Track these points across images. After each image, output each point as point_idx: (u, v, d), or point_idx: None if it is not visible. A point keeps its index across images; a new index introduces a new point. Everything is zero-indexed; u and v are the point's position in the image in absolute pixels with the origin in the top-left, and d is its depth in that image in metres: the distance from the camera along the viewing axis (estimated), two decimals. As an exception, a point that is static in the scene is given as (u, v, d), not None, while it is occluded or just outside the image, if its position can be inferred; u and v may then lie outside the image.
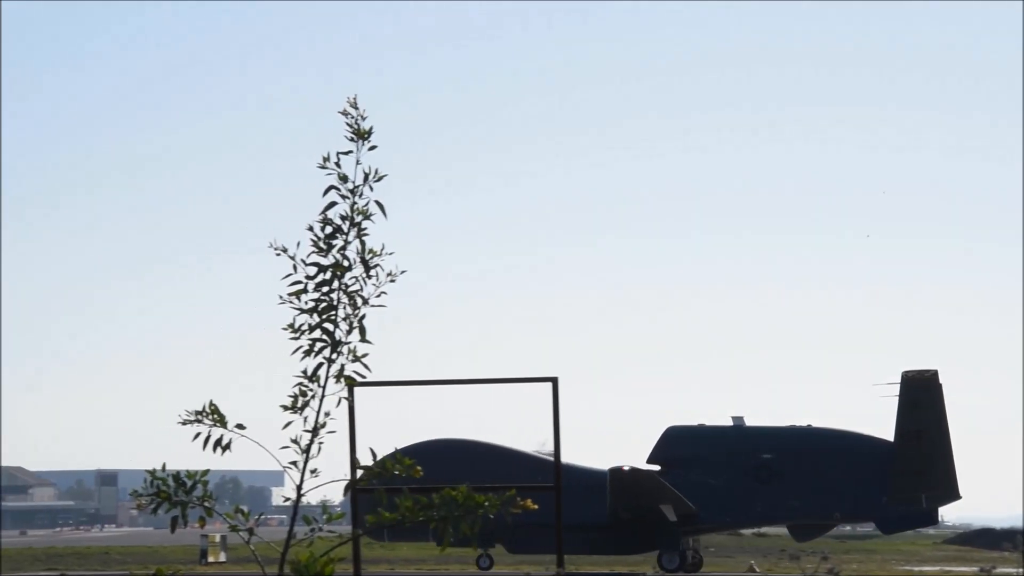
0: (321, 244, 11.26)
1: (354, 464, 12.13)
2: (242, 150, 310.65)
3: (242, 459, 11.54)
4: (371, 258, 11.26)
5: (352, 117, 11.34)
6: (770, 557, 67.76)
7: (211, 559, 64.34)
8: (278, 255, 11.26)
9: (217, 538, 66.11)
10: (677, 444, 55.41)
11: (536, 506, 11.30)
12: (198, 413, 11.59)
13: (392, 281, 11.27)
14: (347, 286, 11.26)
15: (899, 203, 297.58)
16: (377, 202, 11.30)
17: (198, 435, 11.57)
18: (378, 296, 11.29)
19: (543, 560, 55.34)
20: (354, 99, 11.35)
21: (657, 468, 54.63)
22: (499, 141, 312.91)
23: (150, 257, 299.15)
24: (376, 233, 11.31)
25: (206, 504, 11.46)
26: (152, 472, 11.55)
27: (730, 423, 57.14)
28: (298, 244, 11.25)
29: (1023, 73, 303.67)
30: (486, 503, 11.07)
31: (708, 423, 57.33)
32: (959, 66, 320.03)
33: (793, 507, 55.48)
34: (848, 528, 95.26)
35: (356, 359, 11.28)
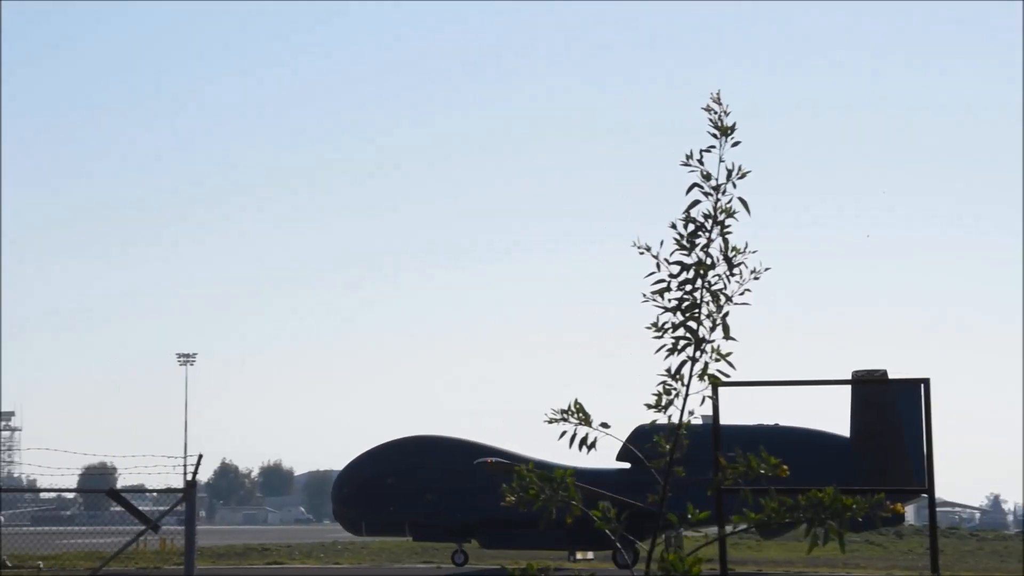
0: (684, 242, 11.21)
1: (718, 463, 12.06)
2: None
3: (607, 457, 11.64)
4: (734, 256, 11.16)
5: (715, 113, 11.26)
6: None
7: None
8: (641, 254, 11.27)
9: (585, 535, 66.86)
10: (645, 442, 54.77)
11: (904, 509, 11.04)
12: (564, 412, 11.72)
13: (756, 279, 11.15)
14: (710, 284, 11.19)
15: (894, 202, 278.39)
16: (740, 199, 11.19)
17: (564, 433, 11.70)
18: (742, 294, 11.19)
19: (516, 556, 55.69)
20: (717, 95, 11.26)
21: (627, 466, 53.98)
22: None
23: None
24: (739, 230, 11.21)
25: (573, 501, 11.57)
26: (519, 468, 11.72)
27: (699, 422, 56.82)
28: (661, 243, 11.23)
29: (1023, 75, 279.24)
30: (854, 505, 10.85)
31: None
32: (965, 66, 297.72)
33: (757, 504, 53.90)
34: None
35: (720, 357, 11.20)
